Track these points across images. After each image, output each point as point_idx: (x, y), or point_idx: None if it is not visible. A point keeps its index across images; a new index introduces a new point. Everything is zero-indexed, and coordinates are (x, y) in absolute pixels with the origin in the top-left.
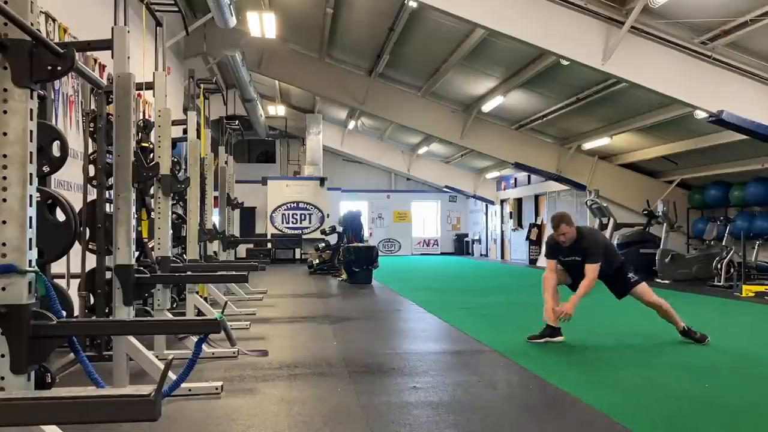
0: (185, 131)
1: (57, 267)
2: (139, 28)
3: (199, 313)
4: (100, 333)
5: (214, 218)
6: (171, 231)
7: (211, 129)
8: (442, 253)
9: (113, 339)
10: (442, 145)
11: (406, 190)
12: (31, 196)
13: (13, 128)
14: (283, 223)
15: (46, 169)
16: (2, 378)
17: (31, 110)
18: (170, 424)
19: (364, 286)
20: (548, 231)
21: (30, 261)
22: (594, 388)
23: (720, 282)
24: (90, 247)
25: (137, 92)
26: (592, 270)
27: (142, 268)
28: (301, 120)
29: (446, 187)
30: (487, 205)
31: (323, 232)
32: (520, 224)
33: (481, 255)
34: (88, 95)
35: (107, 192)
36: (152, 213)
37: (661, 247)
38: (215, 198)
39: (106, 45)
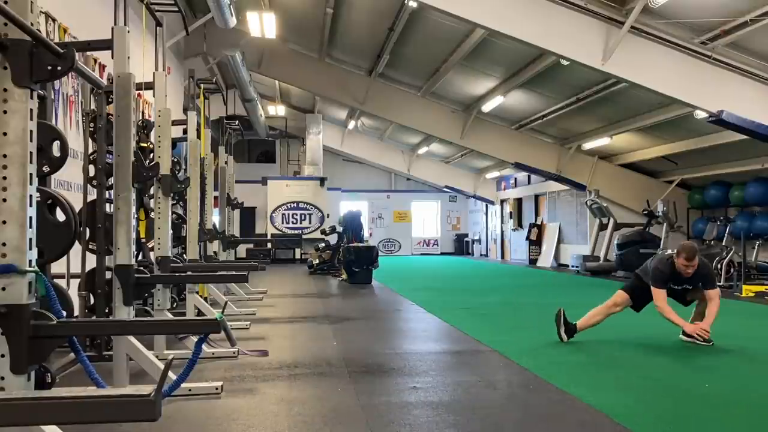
0: (185, 131)
1: (57, 267)
2: (139, 28)
3: (199, 313)
4: (100, 333)
5: (214, 218)
6: (171, 231)
7: (211, 129)
8: (442, 253)
9: (113, 339)
10: (442, 145)
11: (406, 190)
12: (31, 196)
13: (13, 128)
14: (283, 223)
15: (46, 169)
16: (2, 378)
17: (31, 110)
18: (170, 424)
19: (364, 286)
20: (548, 231)
21: (30, 261)
22: (594, 387)
23: (720, 282)
24: (90, 247)
25: (137, 92)
26: (717, 294)
27: (141, 268)
28: (301, 120)
29: (446, 187)
30: (487, 205)
31: (323, 232)
32: (520, 224)
33: (481, 255)
34: (88, 95)
35: (107, 192)
36: (151, 213)
37: (661, 247)
38: (215, 198)
39: (106, 45)
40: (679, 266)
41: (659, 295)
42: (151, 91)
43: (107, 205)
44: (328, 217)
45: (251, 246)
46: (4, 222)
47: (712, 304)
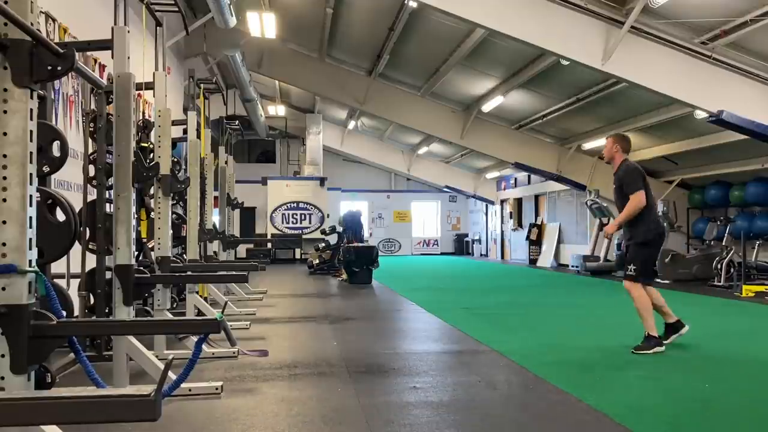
0: (185, 131)
1: (57, 267)
2: (139, 28)
3: (199, 313)
4: (100, 333)
5: (214, 218)
6: (171, 231)
7: (211, 129)
8: (442, 253)
9: (113, 339)
10: (442, 145)
11: (406, 190)
12: (31, 196)
13: (13, 128)
14: (283, 223)
15: (46, 169)
16: (2, 378)
17: (31, 110)
18: (170, 424)
19: (364, 286)
20: (548, 231)
21: (30, 261)
22: (594, 388)
23: (720, 282)
24: (90, 247)
25: (137, 92)
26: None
27: (141, 268)
28: (301, 120)
29: (446, 187)
30: (487, 205)
31: (323, 232)
32: (520, 224)
33: (481, 255)
34: (88, 95)
35: (107, 192)
36: (152, 213)
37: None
38: (215, 198)
39: (106, 45)
40: None
41: None
42: (151, 91)
43: (107, 205)
44: (328, 217)
45: (251, 246)
46: (4, 222)
47: None
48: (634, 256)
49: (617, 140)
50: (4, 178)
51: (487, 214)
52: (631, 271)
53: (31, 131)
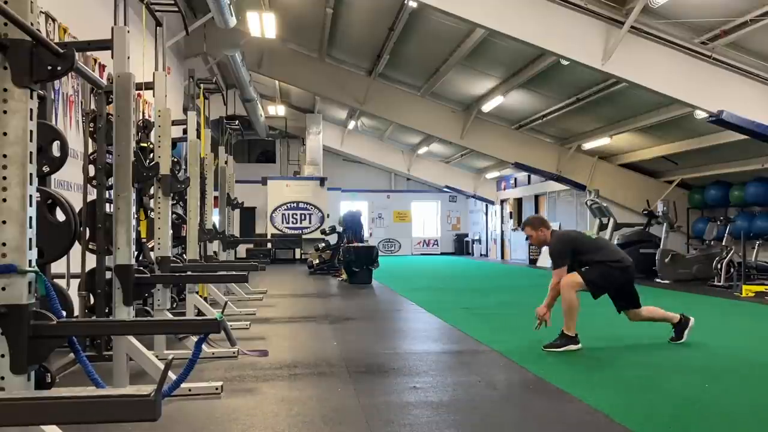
0: (185, 131)
1: (57, 267)
2: (139, 28)
3: (199, 313)
4: (100, 333)
5: (214, 218)
6: (171, 231)
7: (211, 129)
8: (442, 253)
9: (113, 339)
10: (442, 145)
11: (406, 190)
12: (31, 196)
13: (13, 128)
14: (283, 223)
15: (46, 169)
16: (2, 378)
17: (31, 110)
18: (170, 424)
19: (364, 286)
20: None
21: (30, 261)
22: (594, 388)
23: (720, 282)
24: (90, 247)
25: (137, 92)
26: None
27: (141, 268)
28: (301, 120)
29: (446, 187)
30: (487, 205)
31: (323, 232)
32: (520, 224)
33: (481, 255)
34: (88, 95)
35: (107, 192)
36: (150, 213)
37: (661, 247)
38: (215, 198)
39: (106, 45)
40: None
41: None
42: (151, 91)
43: (107, 205)
44: (328, 217)
45: (251, 246)
46: (4, 222)
47: None
48: (594, 269)
49: (533, 227)
50: (4, 178)
51: (487, 214)
52: (583, 270)
53: (31, 131)
